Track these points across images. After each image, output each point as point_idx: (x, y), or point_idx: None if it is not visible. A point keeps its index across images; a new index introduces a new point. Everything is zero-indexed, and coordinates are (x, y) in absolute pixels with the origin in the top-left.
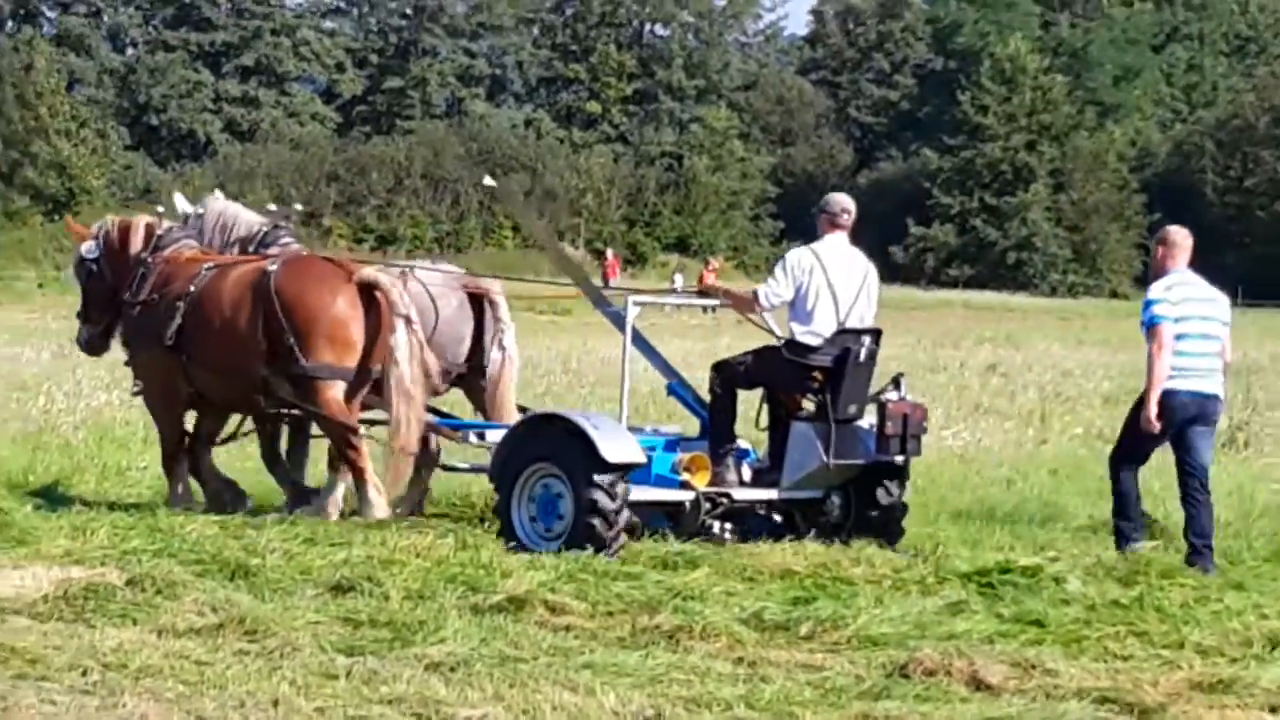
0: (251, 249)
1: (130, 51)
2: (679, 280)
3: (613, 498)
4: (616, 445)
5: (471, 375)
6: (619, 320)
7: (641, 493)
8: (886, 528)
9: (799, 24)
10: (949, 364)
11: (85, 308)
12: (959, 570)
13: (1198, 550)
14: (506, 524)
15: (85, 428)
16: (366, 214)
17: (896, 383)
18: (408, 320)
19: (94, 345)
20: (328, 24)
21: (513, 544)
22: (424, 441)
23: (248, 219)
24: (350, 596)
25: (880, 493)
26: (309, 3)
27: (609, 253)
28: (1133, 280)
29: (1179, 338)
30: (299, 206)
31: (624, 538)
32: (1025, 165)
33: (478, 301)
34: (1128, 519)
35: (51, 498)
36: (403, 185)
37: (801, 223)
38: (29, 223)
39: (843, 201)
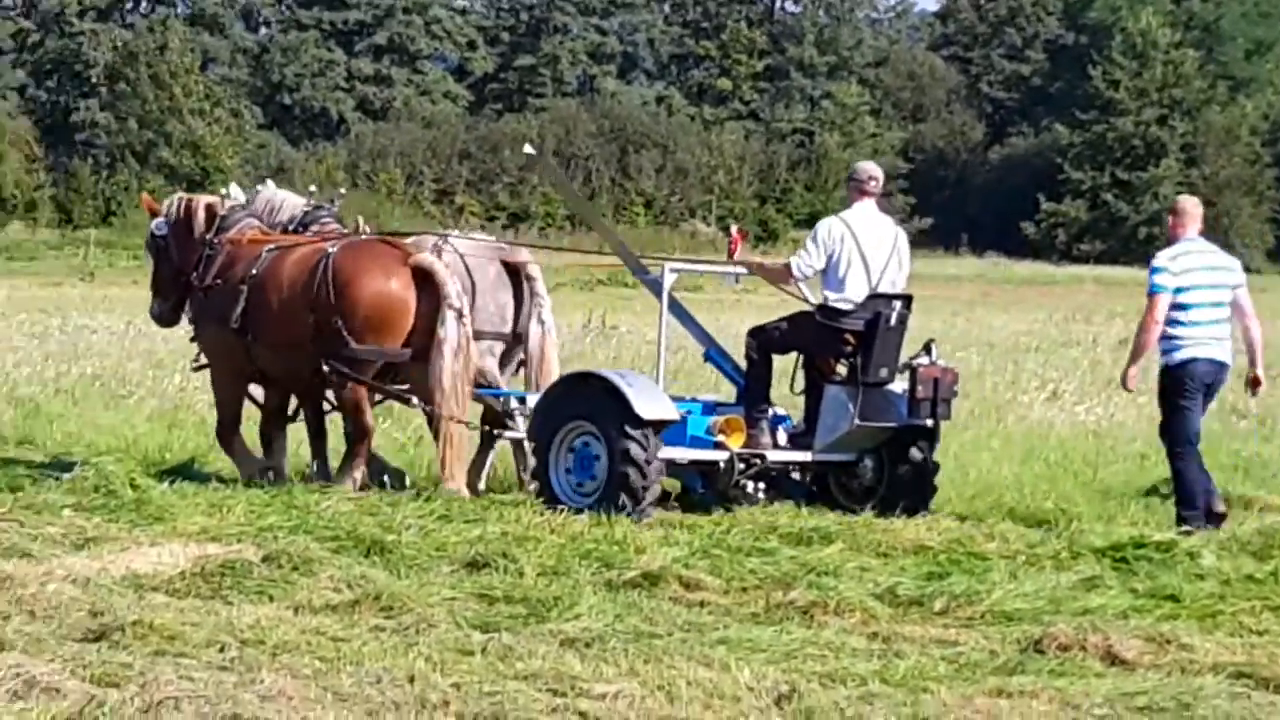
0: (292, 229)
1: (264, 31)
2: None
3: (645, 452)
4: (649, 402)
5: (514, 344)
6: (657, 288)
7: (677, 452)
8: (918, 489)
9: None
10: (1081, 339)
11: (156, 282)
12: (1093, 545)
13: (1185, 499)
14: (545, 483)
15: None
16: (498, 191)
17: (928, 348)
18: (459, 314)
19: (165, 318)
20: (460, 2)
21: (549, 502)
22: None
23: (292, 202)
24: (485, 573)
25: (913, 454)
26: None
27: (734, 228)
28: (1265, 254)
29: (1187, 307)
30: (343, 191)
31: (657, 493)
32: (1157, 140)
33: (515, 273)
34: (1191, 506)
35: (188, 475)
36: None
37: (933, 199)
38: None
39: (870, 170)
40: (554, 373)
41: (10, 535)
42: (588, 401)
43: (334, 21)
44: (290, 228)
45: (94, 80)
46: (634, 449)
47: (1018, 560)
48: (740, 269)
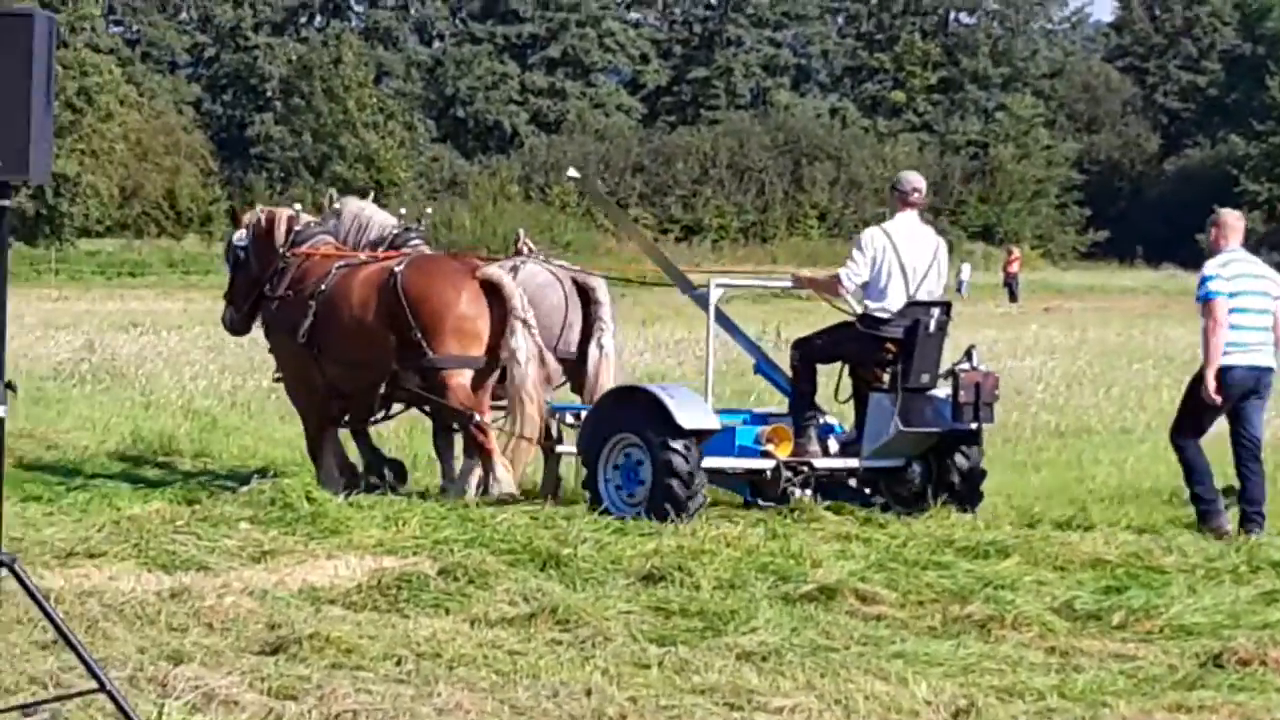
0: (382, 249)
1: (437, 44)
2: (966, 271)
3: (688, 461)
4: (690, 412)
5: (579, 363)
6: (704, 303)
7: (725, 461)
8: (966, 493)
9: (1105, 10)
10: None
11: (231, 291)
12: (1273, 559)
13: (1249, 516)
14: (594, 492)
15: (396, 419)
16: (671, 204)
17: (969, 354)
18: (525, 324)
19: (236, 326)
20: (633, 15)
21: (602, 510)
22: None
23: (381, 220)
24: (661, 586)
25: (959, 459)
26: None
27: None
28: None
29: (1235, 312)
30: (429, 210)
31: (701, 501)
32: None
33: (585, 294)
34: (1204, 485)
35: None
36: (708, 175)
37: (1107, 211)
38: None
39: (913, 181)
40: None
41: (188, 548)
42: (633, 414)
43: (507, 35)
44: (380, 248)
45: (269, 94)
46: (676, 459)
47: (1196, 574)
48: (785, 280)
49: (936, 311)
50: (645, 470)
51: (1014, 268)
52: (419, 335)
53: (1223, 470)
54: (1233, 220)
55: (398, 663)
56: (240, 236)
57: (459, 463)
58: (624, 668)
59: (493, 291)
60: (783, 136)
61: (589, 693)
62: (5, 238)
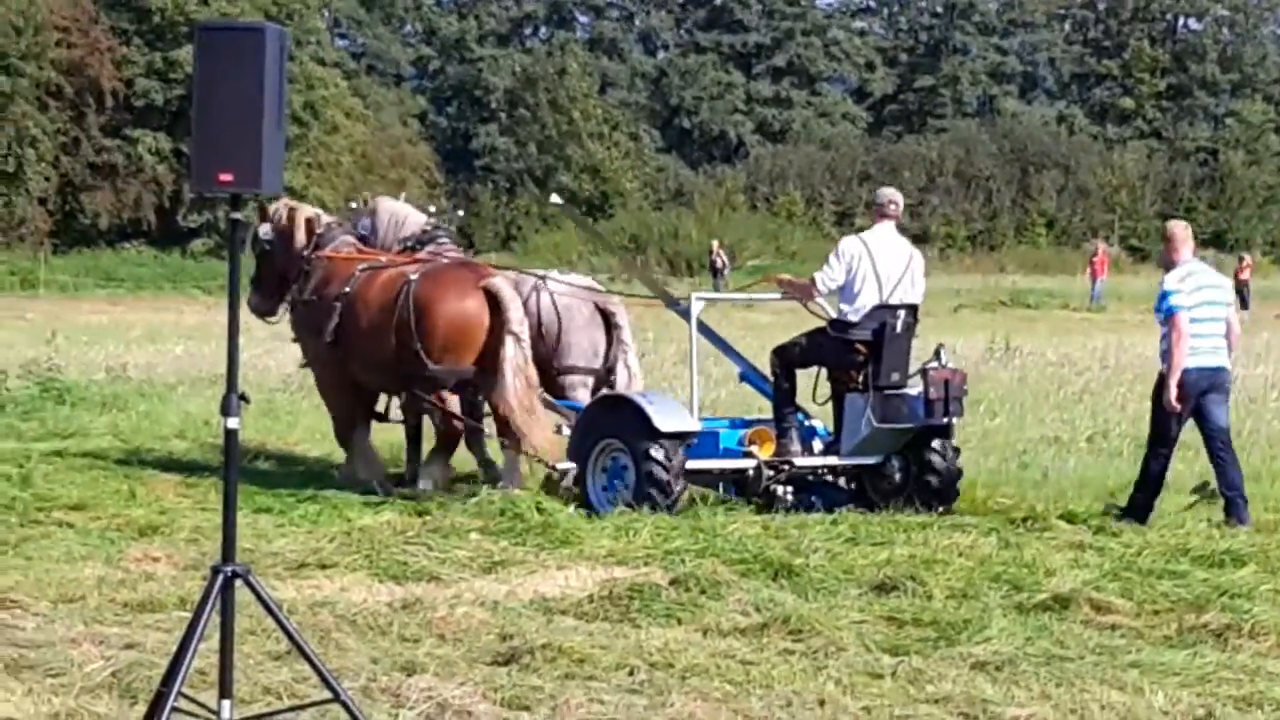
0: (413, 245)
1: (662, 54)
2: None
3: (668, 462)
4: (669, 417)
5: (605, 379)
6: (688, 316)
7: (708, 462)
8: (942, 486)
9: None
10: None
11: (258, 279)
12: None
13: (1231, 501)
14: (583, 493)
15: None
16: None
17: (938, 353)
18: (517, 338)
19: (262, 309)
20: (858, 23)
21: (588, 510)
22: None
23: (415, 219)
24: (893, 595)
25: (934, 456)
26: (839, 2)
27: (1100, 247)
28: None
29: (1193, 321)
30: (460, 213)
31: (681, 500)
32: None
33: (606, 318)
34: (1147, 494)
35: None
36: (934, 184)
37: None
38: (563, 226)
39: (891, 194)
40: None
41: (419, 559)
42: (617, 421)
43: (733, 44)
44: (409, 244)
45: (493, 106)
46: (657, 462)
47: None
48: (773, 294)
49: (903, 313)
50: (629, 472)
51: (1245, 275)
52: (418, 345)
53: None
54: (1181, 232)
55: (630, 673)
56: (265, 230)
57: (499, 460)
58: (857, 678)
59: (494, 302)
60: (1009, 144)
61: (822, 703)
62: (238, 250)
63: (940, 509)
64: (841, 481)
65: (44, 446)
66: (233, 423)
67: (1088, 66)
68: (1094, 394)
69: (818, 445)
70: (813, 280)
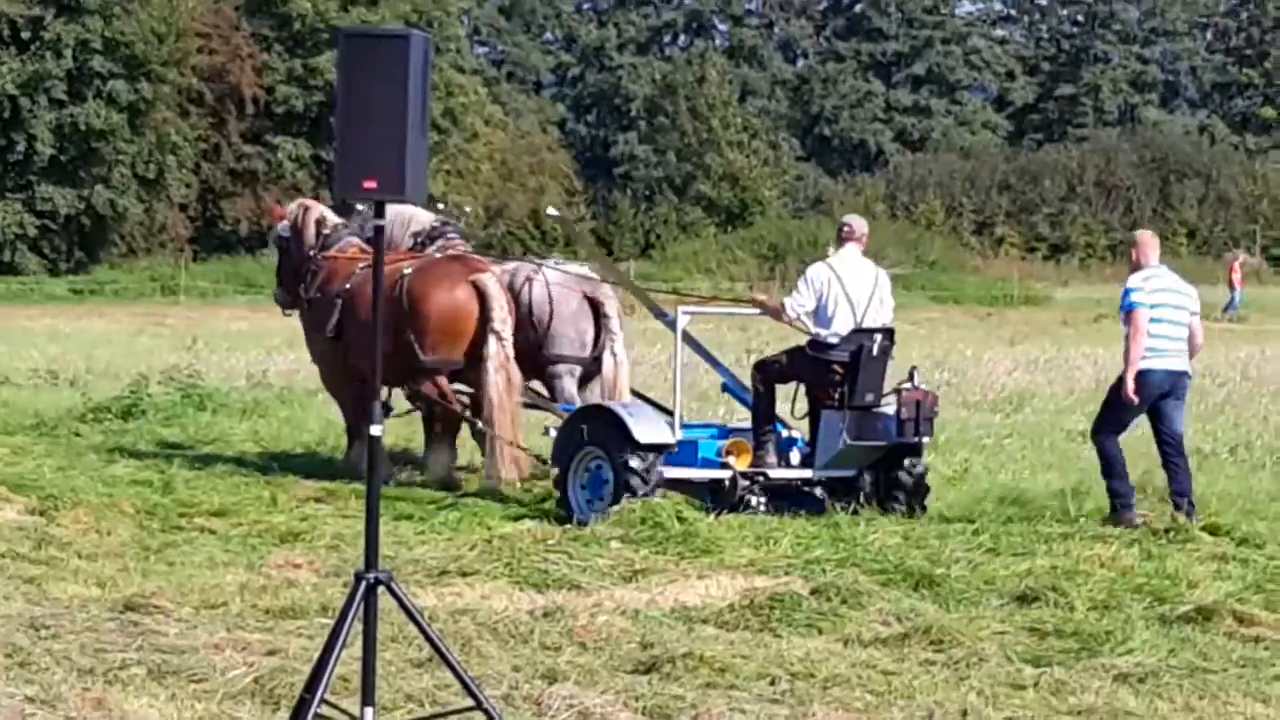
0: (422, 241)
1: (801, 62)
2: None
3: (644, 471)
4: (647, 428)
5: (593, 368)
6: (673, 327)
7: (684, 472)
8: (910, 500)
9: None
10: None
11: (280, 273)
12: None
13: (1178, 506)
14: (564, 498)
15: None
16: (1038, 222)
17: (911, 375)
18: (499, 336)
19: (284, 302)
20: (998, 32)
21: (568, 516)
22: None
23: (423, 218)
24: (1035, 606)
25: (902, 473)
26: (979, 11)
27: (1240, 256)
28: None
29: (1155, 322)
30: (468, 209)
31: None
32: None
33: (596, 306)
34: (1120, 478)
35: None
36: (1075, 193)
37: None
38: (702, 234)
39: (854, 221)
40: (623, 399)
41: (559, 567)
42: (598, 430)
43: (872, 52)
44: (419, 241)
45: (633, 113)
46: (634, 470)
47: None
48: (752, 310)
49: (879, 337)
50: (608, 480)
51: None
52: (411, 337)
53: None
54: (1149, 239)
55: (771, 682)
56: (283, 228)
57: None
58: (999, 689)
59: (482, 296)
60: (1150, 154)
61: (964, 714)
62: (382, 257)
63: (912, 516)
64: (819, 492)
65: (185, 453)
66: (376, 430)
67: (1229, 75)
68: (1236, 406)
69: (795, 456)
70: (782, 305)
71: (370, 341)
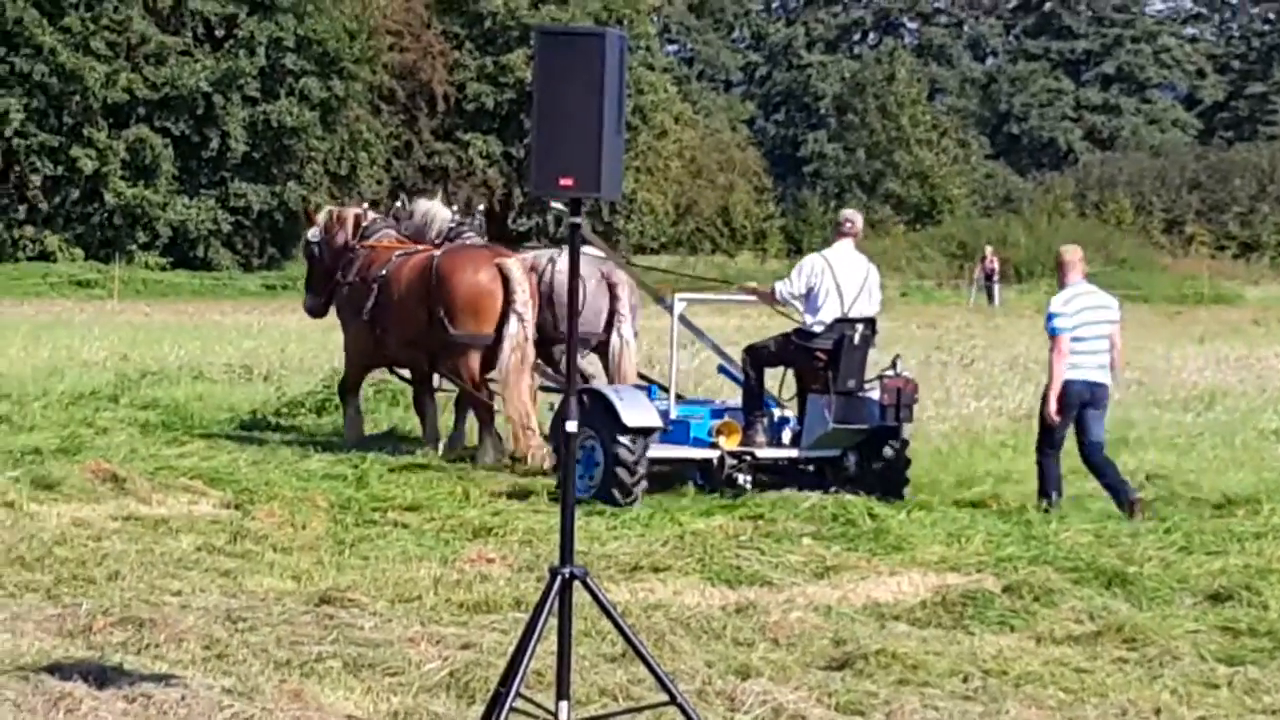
0: (439, 240)
1: (991, 61)
2: None
3: (632, 453)
4: (635, 412)
5: (606, 345)
6: (671, 311)
7: (674, 450)
8: (891, 479)
9: None
10: None
11: (310, 280)
12: None
13: (1118, 499)
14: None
15: (956, 434)
16: (1229, 221)
17: (894, 363)
18: (520, 316)
19: (315, 310)
20: (1188, 30)
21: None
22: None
23: (443, 216)
24: (1229, 605)
25: (885, 451)
26: (1169, 9)
27: None
28: None
29: (1077, 339)
30: (481, 208)
31: (643, 486)
32: None
33: (611, 289)
34: (1050, 496)
35: (923, 504)
36: (1265, 192)
37: None
38: (891, 232)
39: (849, 214)
40: (629, 379)
41: (751, 563)
42: (591, 412)
43: (1062, 51)
44: (438, 239)
45: (822, 111)
46: (623, 451)
47: None
48: (748, 297)
49: (861, 327)
50: (600, 462)
51: None
52: (441, 312)
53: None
54: (1073, 257)
55: (964, 680)
56: (314, 234)
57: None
58: (1193, 687)
59: (505, 279)
60: None
61: (1158, 712)
62: (577, 255)
63: (891, 495)
64: (810, 468)
65: (378, 448)
66: (571, 426)
67: None
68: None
69: (787, 435)
70: (773, 290)
71: (401, 320)
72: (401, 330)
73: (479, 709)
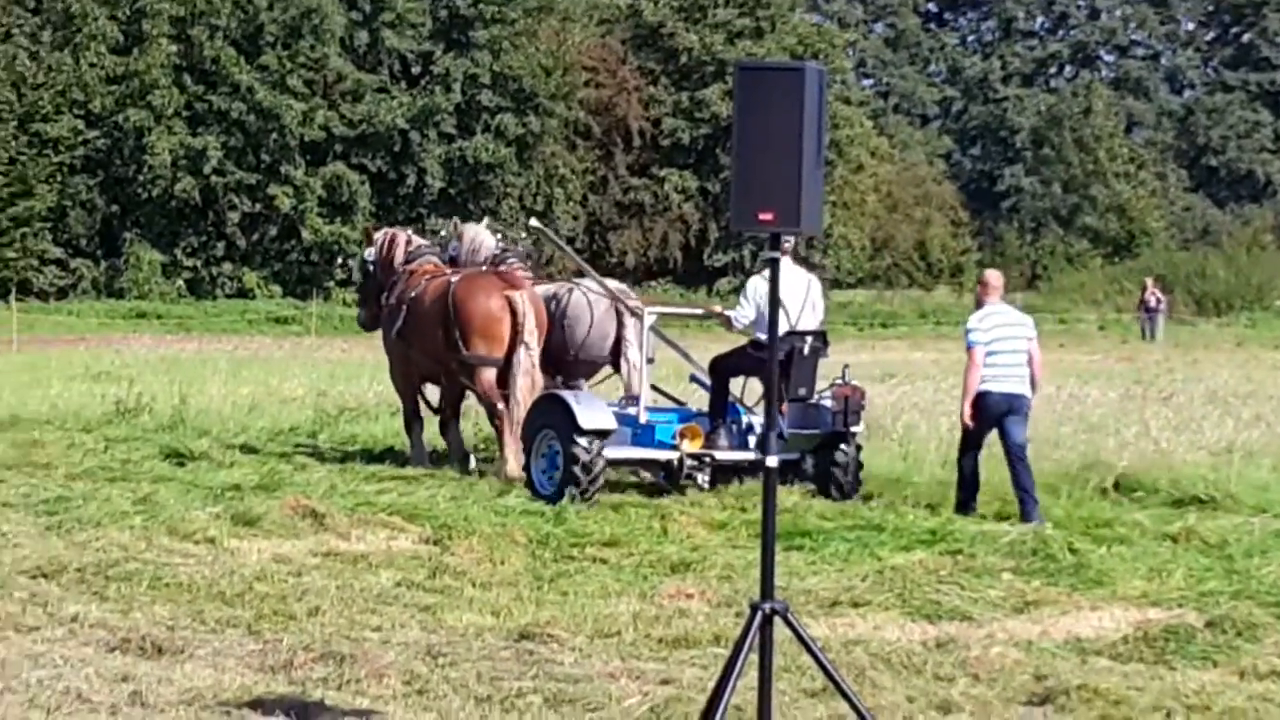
0: (485, 266)
1: (1188, 93)
2: None
3: (588, 453)
4: (591, 414)
5: (616, 367)
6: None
7: (634, 452)
8: (844, 479)
9: None
10: None
11: (363, 295)
12: None
13: (1023, 501)
14: (529, 475)
15: (1156, 469)
16: None
17: (843, 373)
18: (527, 346)
19: (367, 324)
20: None
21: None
22: None
23: (489, 243)
24: None
25: (838, 454)
26: None
27: None
28: None
29: (994, 354)
30: (525, 234)
31: (599, 483)
32: None
33: (620, 317)
34: (968, 496)
35: (1123, 539)
36: None
37: None
38: (1089, 265)
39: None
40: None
41: (951, 598)
42: (552, 415)
43: (1260, 82)
44: (484, 265)
45: (1018, 145)
46: (579, 451)
47: None
48: (710, 317)
49: (810, 339)
50: (560, 459)
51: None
52: (456, 334)
53: None
54: (994, 280)
55: (1167, 715)
56: (370, 253)
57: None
58: None
59: (514, 309)
60: None
61: None
62: (777, 291)
63: (844, 492)
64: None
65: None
66: (772, 461)
67: None
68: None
69: (753, 439)
70: (728, 318)
71: (424, 337)
72: (424, 348)
73: None
